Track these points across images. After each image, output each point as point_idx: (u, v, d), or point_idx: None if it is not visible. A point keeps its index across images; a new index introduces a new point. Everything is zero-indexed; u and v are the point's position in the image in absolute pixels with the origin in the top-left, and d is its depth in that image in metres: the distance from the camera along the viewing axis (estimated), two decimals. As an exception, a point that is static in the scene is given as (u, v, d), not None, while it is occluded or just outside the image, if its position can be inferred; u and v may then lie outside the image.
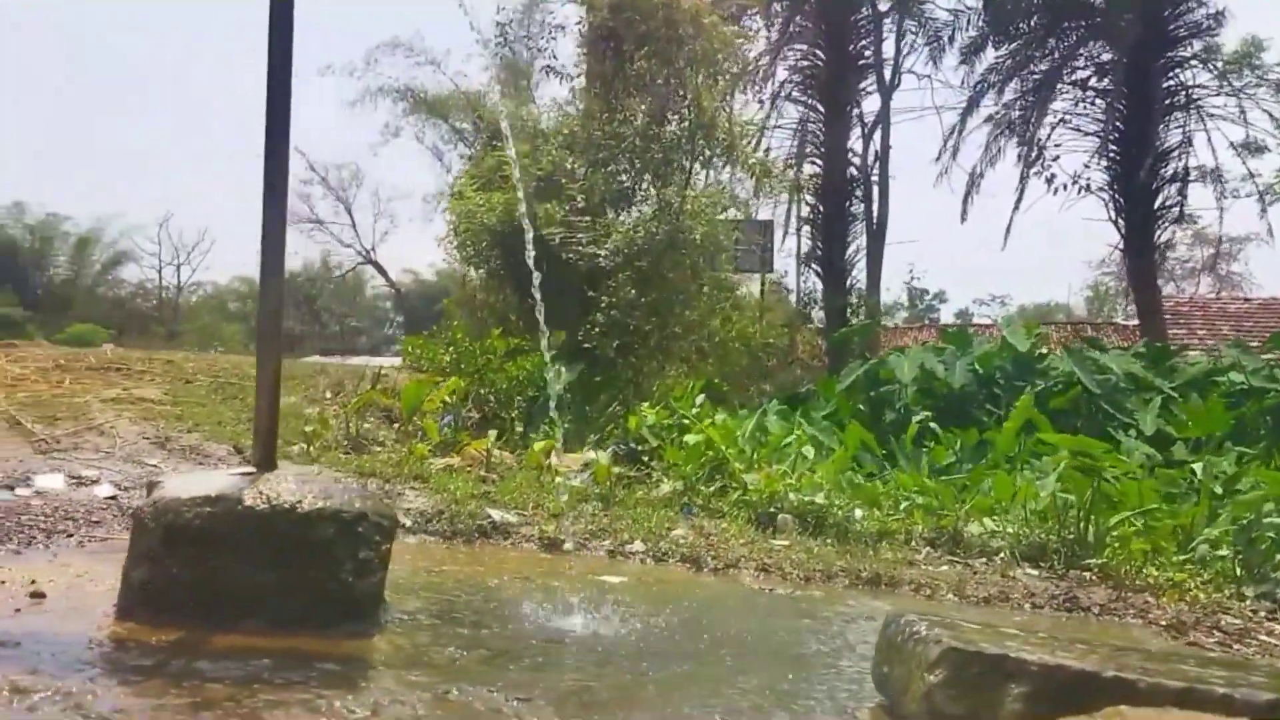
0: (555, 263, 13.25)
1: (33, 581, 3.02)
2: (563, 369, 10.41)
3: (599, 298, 12.49)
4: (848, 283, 21.55)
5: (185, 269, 39.76)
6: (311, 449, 6.19)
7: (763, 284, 20.35)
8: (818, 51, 21.29)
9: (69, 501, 4.70)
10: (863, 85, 21.94)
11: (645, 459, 7.47)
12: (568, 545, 5.49)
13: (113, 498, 4.90)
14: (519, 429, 8.91)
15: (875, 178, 21.81)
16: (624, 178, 13.35)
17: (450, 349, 9.27)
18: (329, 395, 7.55)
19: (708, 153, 12.85)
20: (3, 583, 3.03)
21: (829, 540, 6.03)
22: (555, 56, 15.78)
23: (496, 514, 5.68)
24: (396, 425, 7.29)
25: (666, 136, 12.46)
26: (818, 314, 21.65)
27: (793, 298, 22.84)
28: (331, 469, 6.01)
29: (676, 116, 12.65)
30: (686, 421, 7.45)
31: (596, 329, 12.39)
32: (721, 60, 13.01)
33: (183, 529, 2.75)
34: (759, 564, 5.54)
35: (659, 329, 12.64)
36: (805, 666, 3.30)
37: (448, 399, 7.85)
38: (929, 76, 22.09)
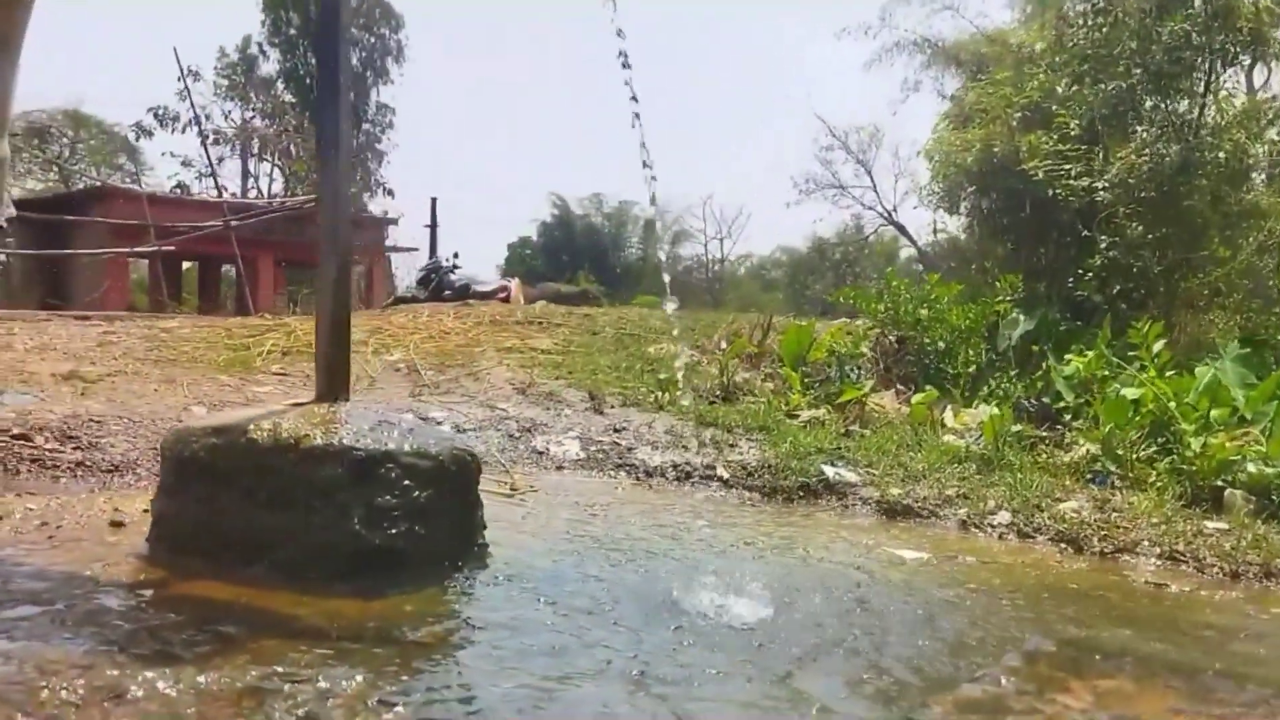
0: (1040, 202, 11.64)
1: (116, 509, 3.06)
2: (1021, 316, 9.05)
3: (1095, 237, 10.68)
4: None
5: (727, 242, 42.83)
6: (663, 397, 6.00)
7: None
8: None
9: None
10: None
11: (1062, 417, 6.12)
12: (913, 511, 4.64)
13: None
14: (964, 383, 7.89)
15: None
16: (1122, 93, 11.23)
17: (884, 297, 8.49)
18: (724, 345, 7.33)
19: (1230, 48, 10.27)
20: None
21: (1292, 527, 4.43)
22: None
23: (832, 471, 4.99)
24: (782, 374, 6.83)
25: (1170, 34, 10.19)
26: None
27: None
28: (671, 416, 5.77)
29: (1183, 6, 10.29)
30: (1124, 372, 5.95)
31: (1090, 274, 10.63)
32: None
33: (190, 461, 2.59)
34: (1166, 550, 4.22)
35: (1167, 271, 10.46)
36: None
37: (841, 347, 7.17)
38: None
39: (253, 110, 32.37)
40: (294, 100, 34.76)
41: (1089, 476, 5.23)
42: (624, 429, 5.49)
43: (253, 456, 2.50)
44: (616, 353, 7.21)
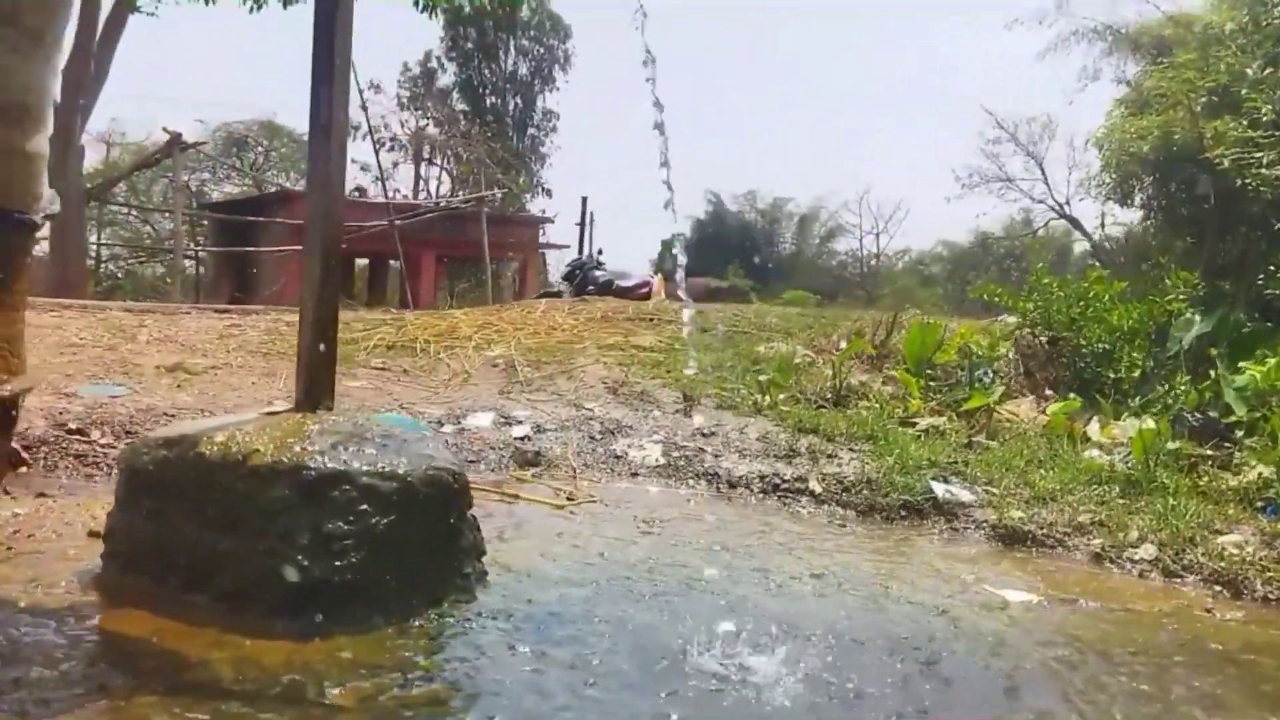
0: (1227, 192, 10.46)
1: (96, 518, 2.81)
2: (1197, 317, 8.02)
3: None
4: None
5: (884, 237, 41.40)
6: (763, 399, 5.50)
7: None
8: None
9: (475, 440, 4.76)
10: None
11: (1232, 434, 5.26)
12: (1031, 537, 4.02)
13: (523, 438, 4.86)
14: (1122, 391, 7.03)
15: None
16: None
17: (1032, 294, 7.67)
18: (844, 344, 6.74)
19: None
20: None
21: None
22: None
23: (942, 488, 4.41)
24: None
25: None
26: None
27: None
28: (768, 421, 5.28)
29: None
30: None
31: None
32: None
33: (139, 474, 2.33)
34: (1353, 601, 3.48)
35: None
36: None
37: (975, 348, 6.45)
38: None
39: (427, 119, 33.54)
40: (466, 109, 35.91)
41: (1260, 505, 4.43)
42: (713, 434, 5.05)
43: (200, 472, 2.22)
44: (724, 351, 6.75)
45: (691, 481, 4.51)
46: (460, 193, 27.54)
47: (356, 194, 27.37)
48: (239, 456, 2.21)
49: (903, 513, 4.26)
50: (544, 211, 31.14)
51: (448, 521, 2.39)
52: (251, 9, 17.19)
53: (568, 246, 26.29)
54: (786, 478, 4.53)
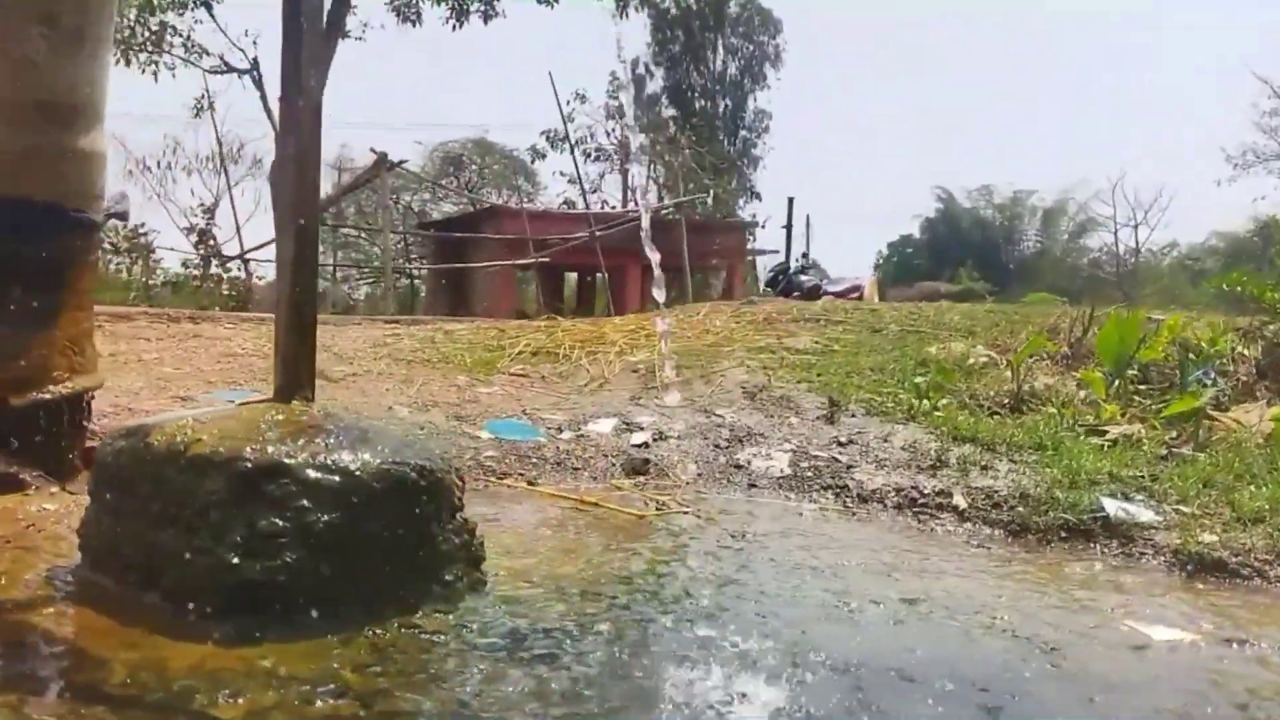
0: None
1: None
2: None
3: None
4: None
5: (1143, 229, 37.55)
6: (919, 404, 4.89)
7: None
8: None
9: (591, 446, 4.49)
10: None
11: None
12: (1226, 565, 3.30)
13: (641, 445, 4.55)
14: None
15: None
16: None
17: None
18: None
19: None
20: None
21: None
22: None
23: (1114, 506, 3.73)
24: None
25: None
26: None
27: None
28: (920, 428, 4.68)
29: None
30: None
31: None
32: None
33: (103, 467, 2.23)
34: None
35: None
36: None
37: (1203, 345, 5.53)
38: None
39: (634, 127, 33.97)
40: (675, 114, 36.00)
41: None
42: (852, 442, 4.53)
43: (147, 464, 2.09)
44: (890, 352, 6.15)
45: (816, 494, 4.04)
46: (665, 200, 27.63)
47: (566, 206, 28.07)
48: (180, 447, 2.06)
49: (1062, 534, 3.61)
50: (754, 216, 30.73)
51: (417, 523, 2.14)
52: (454, 27, 17.93)
53: (777, 251, 25.80)
54: (927, 491, 3.97)
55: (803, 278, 17.64)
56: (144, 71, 19.92)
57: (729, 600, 2.49)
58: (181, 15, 19.94)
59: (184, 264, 20.24)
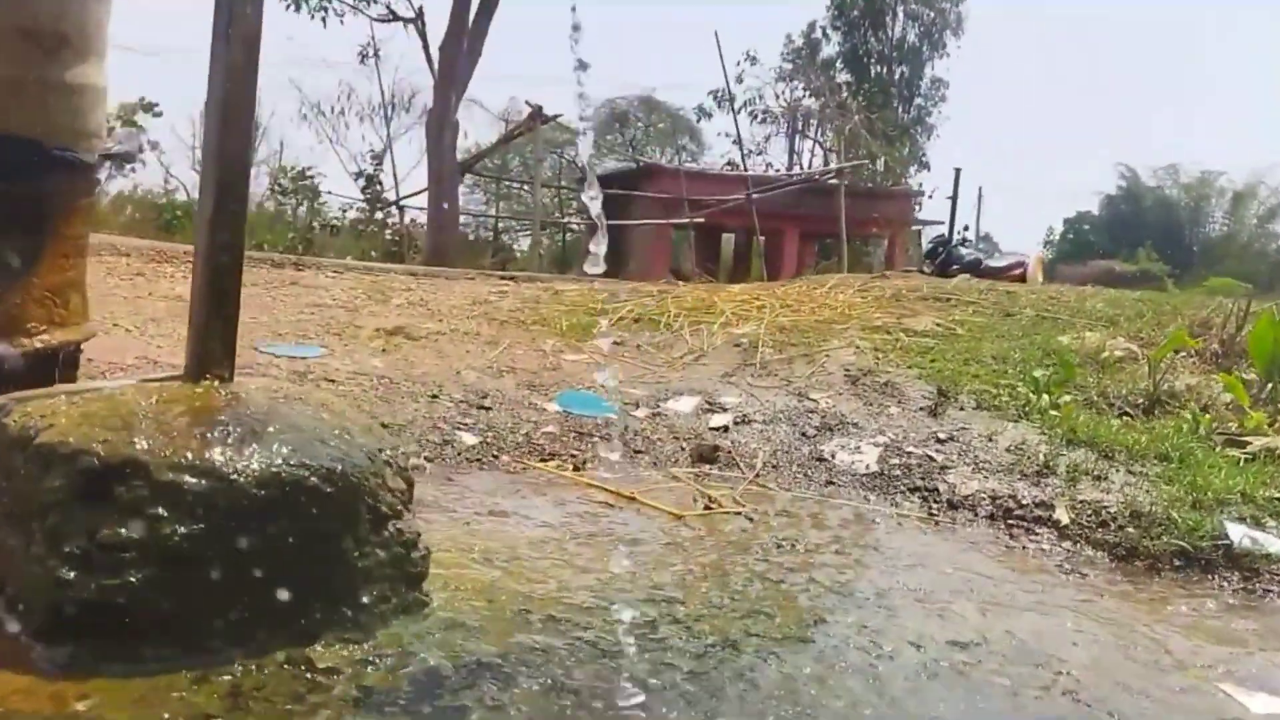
0: None
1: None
2: None
3: None
4: None
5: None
6: (1036, 400, 4.38)
7: None
8: None
9: (664, 427, 4.24)
10: None
11: None
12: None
13: (719, 429, 4.26)
14: None
15: None
16: None
17: None
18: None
19: None
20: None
21: None
22: None
23: (1241, 532, 3.22)
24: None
25: None
26: None
27: None
28: (1032, 428, 4.19)
29: None
30: None
31: None
32: None
33: None
34: None
35: None
36: None
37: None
38: None
39: (804, 90, 32.97)
40: (849, 79, 34.82)
41: None
42: (953, 439, 4.11)
43: (1, 448, 1.81)
44: (1019, 339, 5.59)
45: (900, 497, 3.66)
46: (830, 165, 26.75)
47: (729, 167, 27.61)
48: (31, 433, 1.76)
49: (1175, 562, 3.14)
50: (920, 185, 29.41)
51: (321, 536, 1.82)
52: None
53: (942, 223, 24.62)
54: (1025, 501, 3.54)
55: (963, 250, 16.74)
56: (313, 17, 20.31)
57: (726, 638, 2.17)
58: (349, -41, 20.24)
59: (342, 210, 20.91)
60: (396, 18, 20.94)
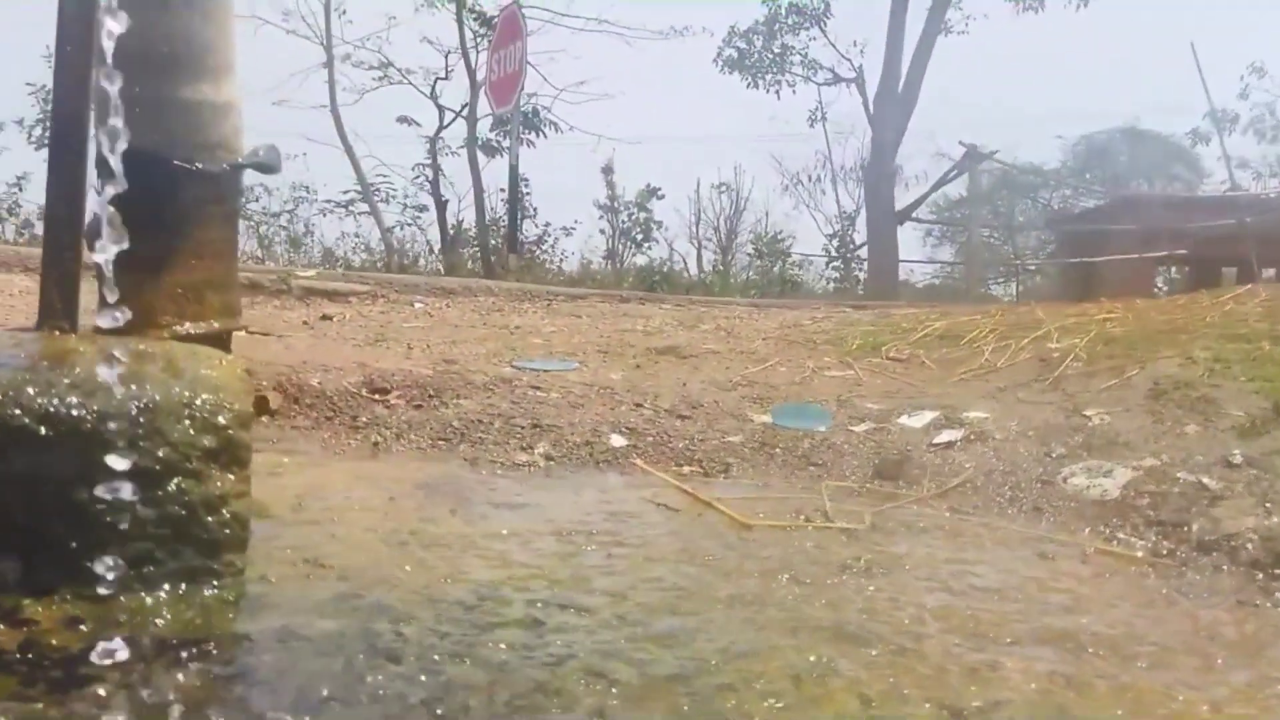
0: None
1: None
2: None
3: None
4: None
5: None
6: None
7: None
8: None
9: (871, 442, 3.58)
10: None
11: None
12: None
13: (943, 444, 3.51)
14: None
15: None
16: None
17: None
18: None
19: None
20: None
21: None
22: None
23: None
24: None
25: None
26: None
27: None
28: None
29: None
30: None
31: None
32: None
33: None
34: None
35: None
36: None
37: None
38: None
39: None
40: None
41: None
42: (1249, 465, 2.93)
43: None
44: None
45: (1132, 533, 2.71)
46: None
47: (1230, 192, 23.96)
48: None
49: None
50: None
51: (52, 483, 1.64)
52: (1078, 7, 16.89)
53: None
54: (1312, 549, 2.42)
55: None
56: (768, 91, 21.89)
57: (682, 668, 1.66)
58: (798, 35, 21.45)
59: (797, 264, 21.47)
60: (839, 79, 21.69)
